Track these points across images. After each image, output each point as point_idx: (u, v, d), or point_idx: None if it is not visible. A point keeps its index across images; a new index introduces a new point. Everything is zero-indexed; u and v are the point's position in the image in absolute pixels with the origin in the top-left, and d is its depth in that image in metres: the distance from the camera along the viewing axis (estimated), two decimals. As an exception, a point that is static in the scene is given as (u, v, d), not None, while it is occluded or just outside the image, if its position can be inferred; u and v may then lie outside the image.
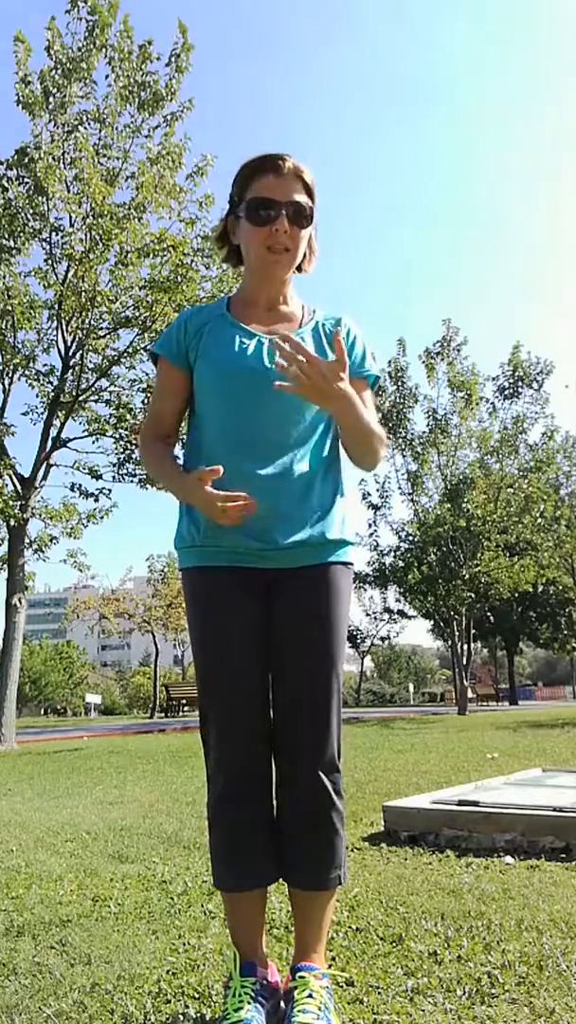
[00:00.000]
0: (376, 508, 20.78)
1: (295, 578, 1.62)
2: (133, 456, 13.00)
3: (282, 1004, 1.60)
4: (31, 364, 12.38)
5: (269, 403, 1.59)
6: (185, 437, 1.82)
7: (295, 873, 1.62)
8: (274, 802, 1.65)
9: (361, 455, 1.67)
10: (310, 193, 1.67)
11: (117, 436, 12.88)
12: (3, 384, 12.62)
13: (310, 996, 1.50)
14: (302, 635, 1.60)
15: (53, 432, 12.45)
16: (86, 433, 12.82)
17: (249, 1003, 1.51)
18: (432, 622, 31.39)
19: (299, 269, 1.77)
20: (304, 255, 1.75)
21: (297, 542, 1.60)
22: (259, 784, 1.62)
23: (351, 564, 1.71)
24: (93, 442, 12.91)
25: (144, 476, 12.98)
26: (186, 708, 25.20)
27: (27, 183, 11.40)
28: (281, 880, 1.64)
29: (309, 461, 1.64)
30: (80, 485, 12.87)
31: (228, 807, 1.62)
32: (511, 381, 20.11)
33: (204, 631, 1.63)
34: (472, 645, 26.32)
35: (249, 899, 1.63)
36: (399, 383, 20.11)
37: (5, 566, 12.25)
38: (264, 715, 1.63)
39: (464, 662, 20.71)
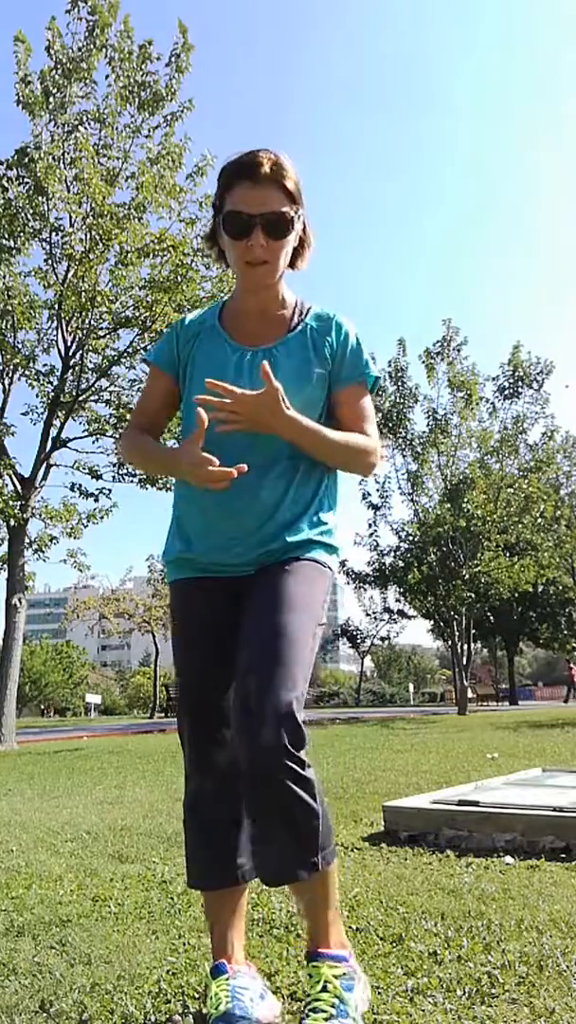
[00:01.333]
0: (376, 508, 20.79)
1: (259, 575, 1.63)
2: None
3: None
4: (31, 364, 12.39)
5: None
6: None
7: (259, 864, 1.54)
8: None
9: (342, 468, 1.70)
10: (291, 195, 1.61)
11: (117, 436, 12.88)
12: (3, 384, 12.62)
13: (324, 989, 1.47)
14: (256, 611, 1.57)
15: (53, 432, 12.45)
16: (86, 433, 12.84)
17: (227, 998, 1.52)
18: (432, 622, 31.35)
19: (292, 266, 1.73)
20: (297, 252, 1.72)
21: (263, 553, 1.62)
22: (232, 783, 1.58)
23: (322, 563, 1.65)
24: (93, 442, 12.93)
25: (144, 476, 12.99)
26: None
27: (27, 183, 11.41)
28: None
29: (279, 478, 1.62)
30: (80, 485, 12.90)
31: (201, 806, 1.68)
32: (511, 381, 20.12)
33: (176, 640, 1.71)
34: (472, 645, 26.33)
35: (219, 897, 1.65)
36: (399, 383, 20.12)
37: (5, 566, 12.25)
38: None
39: (464, 662, 20.72)
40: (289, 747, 1.41)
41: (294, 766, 1.42)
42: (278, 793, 1.42)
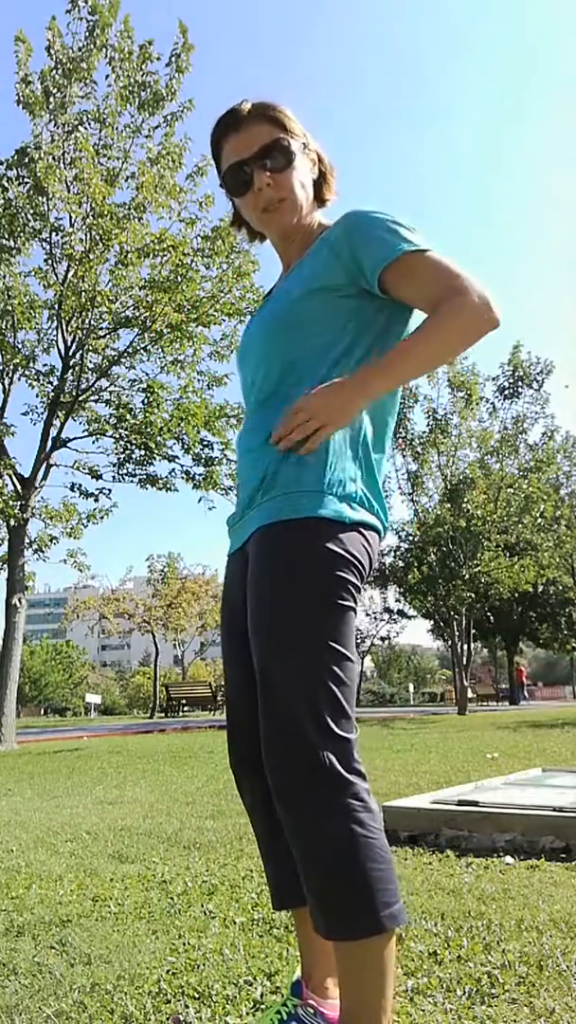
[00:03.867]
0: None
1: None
2: (133, 456, 13.01)
3: None
4: (31, 364, 12.39)
5: (244, 370, 1.53)
6: None
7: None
8: None
9: (453, 354, 1.35)
10: (281, 124, 1.47)
11: (117, 436, 12.89)
12: (3, 384, 12.62)
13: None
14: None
15: (53, 432, 12.45)
16: (86, 433, 12.84)
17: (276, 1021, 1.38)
18: (432, 622, 31.38)
19: (321, 202, 1.56)
20: (319, 185, 1.55)
21: (247, 512, 1.43)
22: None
23: (290, 520, 1.31)
24: (93, 442, 12.93)
25: (144, 476, 13.01)
26: (186, 708, 25.20)
27: (27, 183, 11.40)
28: None
29: (265, 423, 1.42)
30: (80, 485, 12.88)
31: (247, 807, 1.50)
32: (511, 381, 20.12)
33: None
34: (472, 645, 26.33)
35: (297, 914, 1.47)
36: (399, 383, 20.09)
37: (5, 566, 12.24)
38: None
39: (464, 662, 20.71)
40: (301, 769, 1.22)
41: (307, 792, 1.22)
42: (294, 833, 1.24)
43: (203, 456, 13.01)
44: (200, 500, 13.07)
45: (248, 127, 1.45)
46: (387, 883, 1.20)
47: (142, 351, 12.60)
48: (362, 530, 1.36)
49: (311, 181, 1.52)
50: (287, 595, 1.28)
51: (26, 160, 11.23)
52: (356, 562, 1.32)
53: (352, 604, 1.31)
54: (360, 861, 1.20)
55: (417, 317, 1.44)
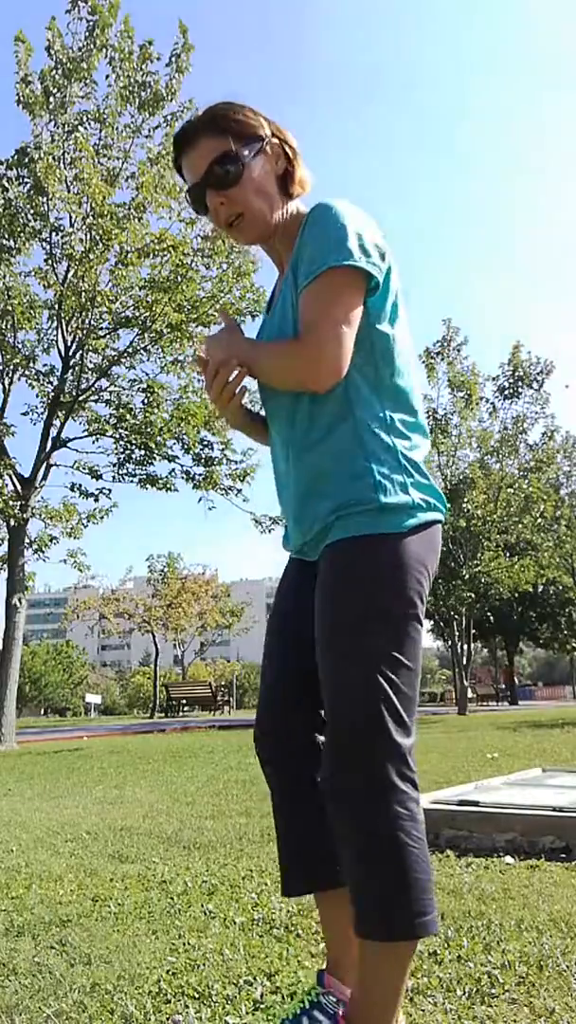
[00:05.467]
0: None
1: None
2: (133, 456, 13.01)
3: None
4: (31, 364, 12.40)
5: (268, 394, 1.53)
6: None
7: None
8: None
9: (280, 385, 1.42)
10: (231, 131, 1.41)
11: (117, 436, 12.89)
12: (3, 384, 12.63)
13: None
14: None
15: (53, 432, 12.46)
16: (86, 433, 12.85)
17: (295, 1013, 1.40)
18: (432, 622, 31.39)
19: (289, 193, 1.49)
20: (284, 177, 1.48)
21: (308, 523, 1.46)
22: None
23: (358, 537, 1.34)
24: (93, 442, 12.94)
25: (144, 476, 13.01)
26: (186, 708, 25.21)
27: (27, 183, 11.42)
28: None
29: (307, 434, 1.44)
30: (80, 485, 12.89)
31: (274, 801, 1.53)
32: (511, 381, 20.13)
33: None
34: (472, 645, 26.33)
35: (320, 900, 1.50)
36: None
37: (5, 566, 12.25)
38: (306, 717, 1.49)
39: (464, 662, 20.71)
40: (357, 774, 1.27)
41: (360, 796, 1.26)
42: (342, 832, 1.30)
43: (203, 456, 13.02)
44: (200, 500, 13.09)
45: (197, 144, 1.42)
46: (425, 892, 1.25)
47: (142, 351, 12.61)
48: (426, 529, 1.39)
49: (274, 179, 1.46)
50: (355, 608, 1.32)
51: (26, 160, 11.24)
52: (423, 567, 1.36)
53: (419, 612, 1.35)
54: (403, 868, 1.24)
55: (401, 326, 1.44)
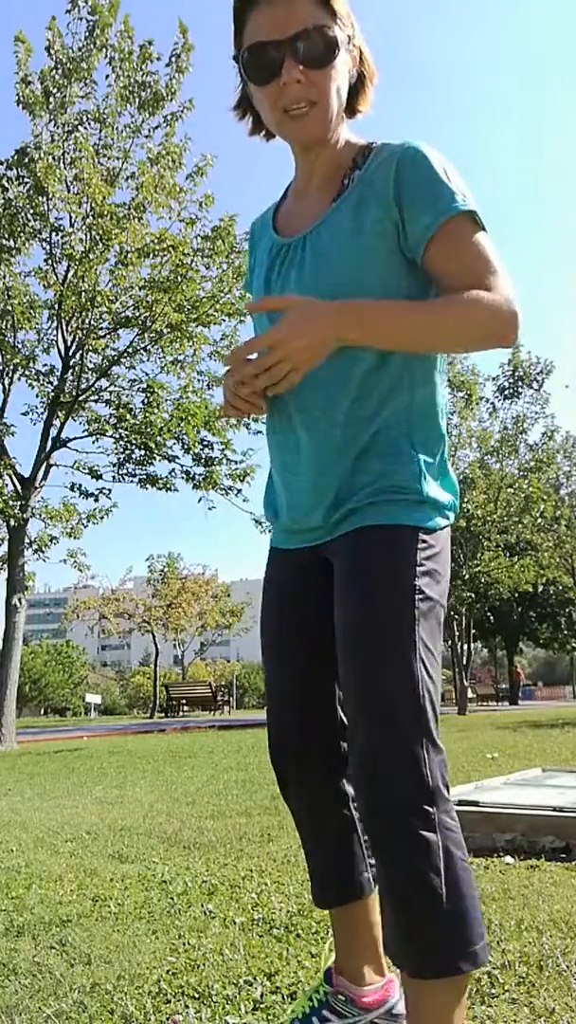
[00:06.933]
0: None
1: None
2: (133, 456, 13.01)
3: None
4: (31, 364, 12.40)
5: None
6: None
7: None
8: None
9: (458, 348, 1.28)
10: (330, 6, 1.18)
11: (117, 436, 12.89)
12: (3, 384, 12.63)
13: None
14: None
15: (53, 432, 12.46)
16: (86, 433, 12.85)
17: (304, 1013, 1.39)
18: (432, 622, 31.34)
19: (352, 112, 1.30)
20: (355, 91, 1.28)
21: (326, 509, 1.30)
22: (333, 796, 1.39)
23: (386, 526, 1.21)
24: (93, 442, 12.94)
25: (144, 476, 13.01)
26: (186, 708, 25.21)
27: (27, 183, 11.41)
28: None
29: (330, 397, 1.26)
30: (80, 485, 12.89)
31: (292, 811, 1.45)
32: (511, 381, 20.14)
33: None
34: (472, 645, 26.33)
35: (337, 913, 1.42)
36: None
37: (5, 566, 12.25)
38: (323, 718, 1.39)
39: (464, 662, 20.71)
40: (405, 784, 1.13)
41: (409, 809, 1.11)
42: (384, 858, 1.13)
43: (203, 456, 13.02)
44: (200, 500, 13.09)
45: (291, 3, 1.16)
46: (479, 912, 1.13)
47: (142, 351, 12.60)
48: (448, 527, 1.31)
49: (347, 86, 1.25)
50: (392, 603, 1.18)
51: (26, 160, 11.24)
52: (447, 568, 1.28)
53: (443, 601, 1.26)
54: (460, 889, 1.10)
55: None
